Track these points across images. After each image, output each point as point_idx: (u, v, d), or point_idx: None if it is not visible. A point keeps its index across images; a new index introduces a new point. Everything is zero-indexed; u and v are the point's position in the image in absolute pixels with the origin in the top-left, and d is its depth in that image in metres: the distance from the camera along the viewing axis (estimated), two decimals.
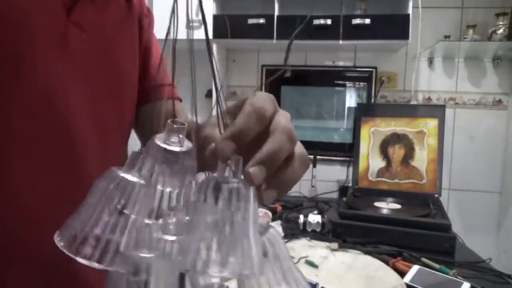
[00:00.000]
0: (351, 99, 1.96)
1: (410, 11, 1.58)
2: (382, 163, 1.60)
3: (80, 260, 0.27)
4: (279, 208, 1.57)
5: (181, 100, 0.68)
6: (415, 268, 0.95)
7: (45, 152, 0.45)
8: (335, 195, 1.87)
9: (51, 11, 0.42)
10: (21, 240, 0.45)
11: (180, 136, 0.32)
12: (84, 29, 0.46)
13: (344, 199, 1.59)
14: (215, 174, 0.29)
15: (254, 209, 0.28)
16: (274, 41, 1.65)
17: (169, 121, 0.32)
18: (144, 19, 0.62)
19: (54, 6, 0.42)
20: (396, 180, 1.57)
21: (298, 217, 1.34)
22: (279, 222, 1.36)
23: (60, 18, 0.43)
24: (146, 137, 0.52)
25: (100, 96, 0.51)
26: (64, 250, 0.28)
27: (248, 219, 0.28)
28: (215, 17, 1.69)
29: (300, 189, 1.99)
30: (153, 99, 0.63)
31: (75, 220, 0.28)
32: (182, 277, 0.33)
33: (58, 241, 0.28)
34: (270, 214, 1.38)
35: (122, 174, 0.29)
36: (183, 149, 0.31)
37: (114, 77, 0.52)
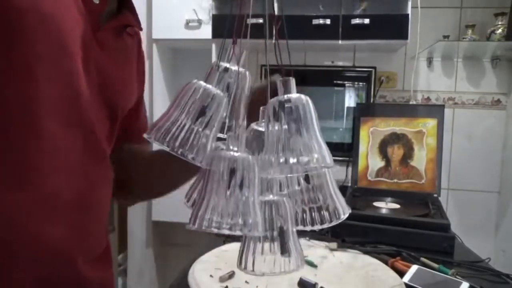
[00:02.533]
0: (350, 99, 1.96)
1: (409, 11, 1.58)
2: (381, 163, 1.61)
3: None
4: None
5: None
6: (414, 267, 0.95)
7: (72, 152, 0.51)
8: None
9: (82, 30, 0.51)
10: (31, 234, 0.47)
11: None
12: (103, 47, 0.54)
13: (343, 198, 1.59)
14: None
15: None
16: (274, 40, 1.65)
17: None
18: (141, 57, 0.71)
19: (85, 28, 0.51)
20: (395, 180, 1.57)
21: None
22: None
23: (88, 35, 0.51)
24: (119, 174, 0.63)
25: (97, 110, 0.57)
26: (160, 143, 0.36)
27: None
28: (214, 17, 1.69)
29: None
30: (141, 142, 0.70)
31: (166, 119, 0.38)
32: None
33: (153, 139, 0.36)
34: None
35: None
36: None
37: (111, 98, 0.58)
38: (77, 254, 0.53)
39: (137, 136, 0.70)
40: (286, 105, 0.37)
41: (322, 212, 0.40)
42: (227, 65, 0.39)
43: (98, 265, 0.58)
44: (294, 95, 0.39)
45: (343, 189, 1.77)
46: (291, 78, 0.39)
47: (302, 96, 0.39)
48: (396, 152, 1.59)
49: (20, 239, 0.46)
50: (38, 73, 0.45)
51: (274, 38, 0.40)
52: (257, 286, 0.79)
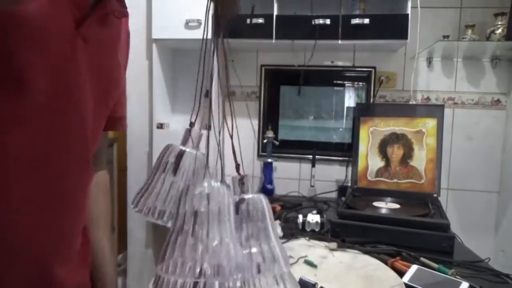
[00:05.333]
0: (350, 99, 1.96)
1: (409, 11, 1.58)
2: (381, 163, 1.61)
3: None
4: (278, 208, 1.57)
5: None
6: (414, 267, 0.95)
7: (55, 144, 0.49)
8: (334, 195, 1.87)
9: (62, 25, 0.48)
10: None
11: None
12: (87, 41, 0.51)
13: (343, 198, 1.59)
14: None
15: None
16: (273, 41, 1.65)
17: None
18: (126, 42, 0.68)
19: (65, 21, 0.48)
20: (395, 180, 1.57)
21: (297, 217, 1.34)
22: (278, 222, 1.36)
23: (70, 31, 0.49)
24: None
25: (95, 104, 0.55)
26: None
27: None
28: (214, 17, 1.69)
29: (299, 189, 1.99)
30: (117, 129, 0.71)
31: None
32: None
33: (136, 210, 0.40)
34: None
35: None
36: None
37: (105, 88, 0.57)
38: (50, 256, 0.51)
39: (115, 125, 0.70)
40: (242, 205, 0.40)
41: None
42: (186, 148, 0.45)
43: (74, 269, 0.57)
44: (250, 195, 0.41)
45: (343, 189, 1.77)
46: (246, 175, 0.42)
47: (259, 196, 0.42)
48: (396, 152, 1.59)
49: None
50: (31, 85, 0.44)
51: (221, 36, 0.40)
52: None
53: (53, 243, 0.51)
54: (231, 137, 0.42)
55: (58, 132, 0.49)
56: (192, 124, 0.44)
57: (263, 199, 0.42)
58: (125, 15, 0.61)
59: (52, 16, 0.46)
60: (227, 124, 0.41)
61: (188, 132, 0.45)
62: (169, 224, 0.41)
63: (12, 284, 0.47)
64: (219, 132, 0.41)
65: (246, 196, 0.42)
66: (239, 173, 0.44)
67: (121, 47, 0.65)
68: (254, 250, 0.39)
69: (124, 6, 0.59)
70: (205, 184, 0.38)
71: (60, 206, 0.52)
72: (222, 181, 0.40)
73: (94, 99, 0.55)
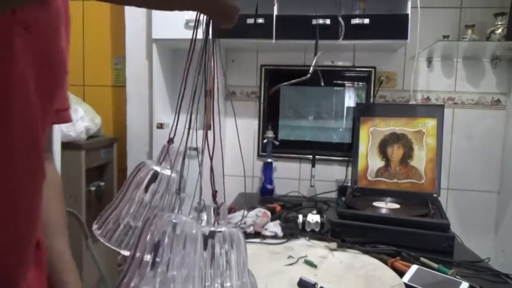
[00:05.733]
0: (350, 99, 1.96)
1: (409, 11, 1.58)
2: (381, 163, 1.61)
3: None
4: (278, 208, 1.57)
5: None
6: (414, 267, 0.95)
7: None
8: (334, 195, 1.87)
9: None
10: None
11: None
12: (28, 28, 0.45)
13: (343, 198, 1.59)
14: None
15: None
16: (273, 41, 1.65)
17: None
18: (66, 21, 0.61)
19: None
20: (395, 180, 1.57)
21: (297, 217, 1.34)
22: (277, 222, 1.36)
23: (5, 18, 0.42)
24: None
25: (38, 98, 0.49)
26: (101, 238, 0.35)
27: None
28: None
29: (299, 189, 1.99)
30: (60, 121, 0.65)
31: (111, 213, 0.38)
32: None
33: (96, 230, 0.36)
34: (269, 213, 1.38)
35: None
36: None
37: (49, 79, 0.52)
38: (7, 256, 0.47)
39: (65, 117, 0.65)
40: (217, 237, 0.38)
41: None
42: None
43: (32, 274, 0.53)
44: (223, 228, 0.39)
45: (343, 189, 1.77)
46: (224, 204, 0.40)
47: (233, 230, 0.39)
48: (395, 152, 1.59)
49: None
50: None
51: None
52: None
53: (8, 241, 0.47)
54: (211, 159, 0.41)
55: None
56: (170, 141, 0.41)
57: (239, 233, 0.40)
58: None
59: None
60: (207, 141, 0.39)
61: (166, 149, 0.41)
62: (126, 253, 0.38)
63: None
64: (201, 151, 0.39)
65: (219, 229, 0.39)
66: (215, 202, 0.42)
67: (64, 27, 0.58)
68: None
69: None
70: (172, 215, 0.36)
71: (13, 195, 0.47)
72: (199, 207, 0.39)
73: (40, 90, 0.49)
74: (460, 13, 1.83)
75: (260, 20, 1.65)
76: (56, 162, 0.89)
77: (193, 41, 0.38)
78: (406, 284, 0.89)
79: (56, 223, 0.67)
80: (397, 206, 1.40)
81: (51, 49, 0.51)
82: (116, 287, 0.34)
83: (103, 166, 1.95)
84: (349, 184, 1.74)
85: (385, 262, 1.01)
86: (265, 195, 1.89)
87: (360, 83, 1.94)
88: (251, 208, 1.44)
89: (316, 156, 1.91)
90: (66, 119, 0.67)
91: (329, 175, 1.94)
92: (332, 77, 1.96)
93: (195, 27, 0.36)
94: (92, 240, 1.46)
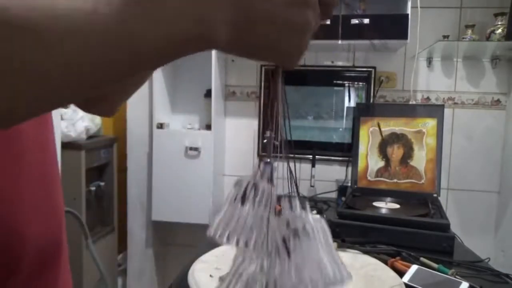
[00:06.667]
0: (350, 99, 1.96)
1: (409, 11, 1.58)
2: (381, 163, 1.61)
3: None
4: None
5: None
6: (414, 267, 0.95)
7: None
8: (334, 195, 1.87)
9: None
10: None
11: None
12: None
13: (343, 198, 1.59)
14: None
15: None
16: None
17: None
18: None
19: None
20: (395, 180, 1.57)
21: None
22: None
23: None
24: None
25: None
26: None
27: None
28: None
29: (299, 189, 1.99)
30: None
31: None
32: None
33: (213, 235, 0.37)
34: None
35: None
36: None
37: None
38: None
39: None
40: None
41: None
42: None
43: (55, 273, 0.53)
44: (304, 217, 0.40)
45: (343, 189, 1.77)
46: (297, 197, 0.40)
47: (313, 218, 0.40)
48: (395, 152, 1.59)
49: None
50: None
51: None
52: None
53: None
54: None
55: None
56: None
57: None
58: None
59: None
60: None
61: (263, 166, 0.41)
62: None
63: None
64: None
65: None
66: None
67: None
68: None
69: None
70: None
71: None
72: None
73: None
74: (460, 13, 1.83)
75: None
76: None
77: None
78: (406, 284, 0.89)
79: None
80: (397, 206, 1.40)
81: None
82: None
83: (103, 166, 1.95)
84: (349, 184, 1.74)
85: (385, 262, 1.01)
86: None
87: (360, 83, 1.94)
88: None
89: (316, 156, 1.91)
90: None
91: (329, 175, 1.94)
92: (332, 77, 1.96)
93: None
94: (92, 240, 1.46)
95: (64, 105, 0.33)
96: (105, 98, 0.56)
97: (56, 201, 0.51)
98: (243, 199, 0.38)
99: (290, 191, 0.42)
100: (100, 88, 0.28)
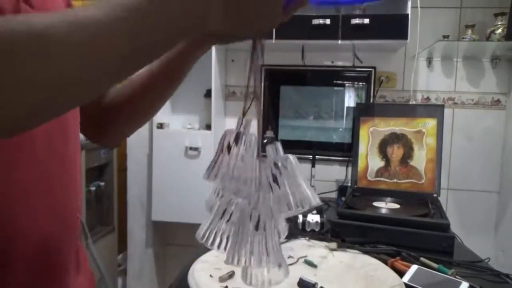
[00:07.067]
0: (350, 99, 1.96)
1: (409, 11, 1.58)
2: (381, 163, 1.61)
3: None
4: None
5: None
6: (414, 267, 0.95)
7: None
8: (334, 195, 1.87)
9: None
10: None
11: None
12: (32, 5, 0.46)
13: (343, 198, 1.59)
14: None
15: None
16: (273, 41, 1.65)
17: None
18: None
19: None
20: (395, 180, 1.57)
21: (297, 217, 1.34)
22: None
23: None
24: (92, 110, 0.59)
25: None
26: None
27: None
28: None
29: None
30: None
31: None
32: None
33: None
34: None
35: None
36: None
37: None
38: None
39: None
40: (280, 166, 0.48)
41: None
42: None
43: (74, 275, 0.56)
44: (283, 156, 0.50)
45: (343, 189, 1.77)
46: (278, 141, 0.51)
47: (290, 156, 0.50)
48: (395, 152, 1.59)
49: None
50: None
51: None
52: None
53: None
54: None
55: None
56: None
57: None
58: None
59: None
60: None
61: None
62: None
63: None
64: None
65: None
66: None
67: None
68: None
69: None
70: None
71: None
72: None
73: None
74: (460, 13, 1.83)
75: None
76: None
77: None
78: (406, 284, 0.89)
79: None
80: (397, 206, 1.40)
81: None
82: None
83: (103, 166, 1.95)
84: (349, 184, 1.74)
85: (385, 262, 1.01)
86: None
87: (360, 83, 1.94)
88: None
89: (316, 156, 1.90)
90: None
91: (329, 175, 1.94)
92: (332, 77, 1.96)
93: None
94: (92, 240, 1.46)
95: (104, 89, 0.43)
96: (116, 131, 0.63)
97: (59, 201, 0.51)
98: (229, 149, 0.47)
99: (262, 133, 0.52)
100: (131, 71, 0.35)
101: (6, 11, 0.43)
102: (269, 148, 0.50)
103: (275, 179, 0.46)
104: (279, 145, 0.50)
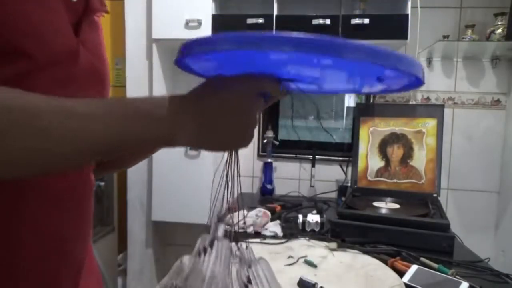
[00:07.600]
0: (350, 99, 1.96)
1: (409, 11, 1.58)
2: (381, 163, 1.61)
3: None
4: (278, 208, 1.57)
5: None
6: (414, 267, 0.95)
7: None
8: (334, 195, 1.87)
9: (64, 34, 0.44)
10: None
11: None
12: (87, 47, 0.48)
13: (343, 198, 1.59)
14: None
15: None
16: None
17: None
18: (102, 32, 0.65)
19: (66, 28, 0.44)
20: (395, 180, 1.57)
21: (297, 217, 1.34)
22: (277, 222, 1.36)
23: (73, 39, 0.45)
24: None
25: None
26: None
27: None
28: (214, 17, 1.70)
29: (299, 189, 1.99)
30: None
31: None
32: None
33: None
34: (269, 213, 1.38)
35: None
36: None
37: (101, 94, 0.55)
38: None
39: None
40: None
41: None
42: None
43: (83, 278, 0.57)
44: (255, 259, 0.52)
45: (343, 189, 1.77)
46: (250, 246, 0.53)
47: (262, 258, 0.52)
48: (395, 152, 1.59)
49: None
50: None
51: None
52: None
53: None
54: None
55: None
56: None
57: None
58: (106, 12, 0.57)
59: (51, 27, 0.43)
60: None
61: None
62: None
63: None
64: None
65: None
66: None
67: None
68: None
69: (103, 4, 0.56)
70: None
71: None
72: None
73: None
74: (460, 13, 1.83)
75: (260, 20, 1.65)
76: None
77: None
78: (406, 284, 0.89)
79: None
80: (397, 206, 1.40)
81: (100, 61, 0.54)
82: None
83: None
84: (349, 184, 1.74)
85: (385, 262, 1.01)
86: (265, 195, 1.89)
87: None
88: (251, 208, 1.44)
89: (316, 156, 1.91)
90: None
91: (329, 175, 1.94)
92: None
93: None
94: (92, 240, 1.46)
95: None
96: (114, 165, 0.67)
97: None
98: (205, 252, 0.50)
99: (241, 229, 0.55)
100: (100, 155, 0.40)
101: (68, 54, 0.45)
102: (242, 250, 0.52)
103: (249, 282, 0.48)
104: (251, 249, 0.52)
